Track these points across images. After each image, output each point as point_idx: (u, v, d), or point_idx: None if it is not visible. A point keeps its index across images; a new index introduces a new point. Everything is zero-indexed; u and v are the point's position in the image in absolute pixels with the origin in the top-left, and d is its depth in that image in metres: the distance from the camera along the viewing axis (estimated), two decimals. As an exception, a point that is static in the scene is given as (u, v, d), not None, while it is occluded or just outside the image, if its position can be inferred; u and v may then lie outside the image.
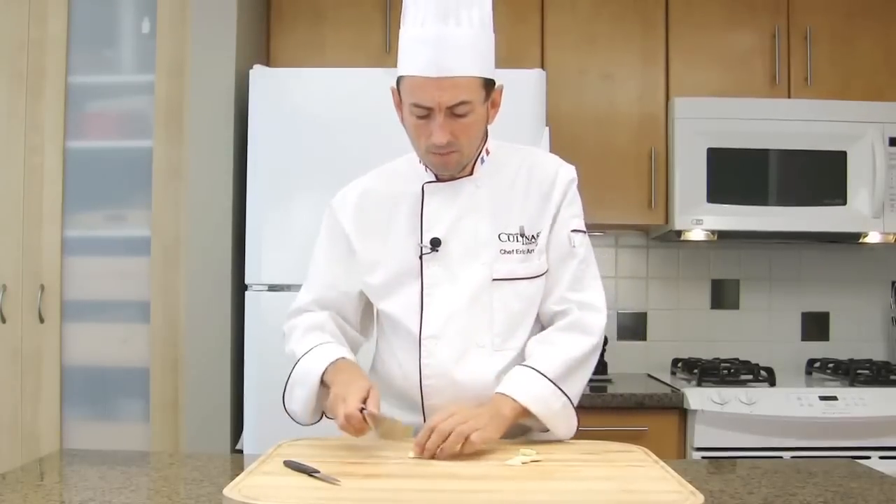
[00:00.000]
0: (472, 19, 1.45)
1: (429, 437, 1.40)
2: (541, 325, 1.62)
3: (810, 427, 2.57)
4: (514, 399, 1.48)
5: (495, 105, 1.55)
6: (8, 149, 2.74)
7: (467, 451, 1.38)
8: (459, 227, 1.58)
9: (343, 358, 1.55)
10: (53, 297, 2.73)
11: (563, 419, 1.52)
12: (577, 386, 1.54)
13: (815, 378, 2.99)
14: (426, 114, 1.47)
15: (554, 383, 1.50)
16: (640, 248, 3.31)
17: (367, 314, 1.70)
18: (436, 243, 1.57)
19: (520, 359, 1.57)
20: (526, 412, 1.48)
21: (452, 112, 1.46)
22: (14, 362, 2.72)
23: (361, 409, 1.40)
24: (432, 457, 1.39)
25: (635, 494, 1.21)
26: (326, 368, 1.53)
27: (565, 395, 1.51)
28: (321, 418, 1.61)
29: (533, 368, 1.51)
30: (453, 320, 1.56)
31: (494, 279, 1.56)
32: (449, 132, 1.47)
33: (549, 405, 1.49)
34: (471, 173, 1.59)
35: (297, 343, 1.61)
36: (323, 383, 1.53)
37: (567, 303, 1.58)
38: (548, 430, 1.53)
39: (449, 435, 1.38)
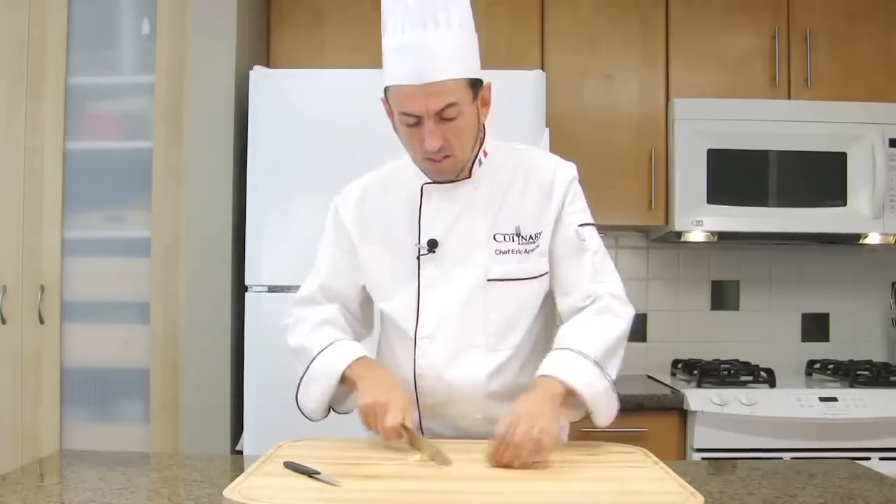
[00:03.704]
0: (450, 21, 1.44)
1: (502, 449, 1.36)
2: (544, 325, 1.62)
3: (810, 428, 2.57)
4: (559, 380, 1.43)
5: (486, 103, 1.54)
6: (8, 150, 2.74)
7: (540, 458, 1.35)
8: (456, 229, 1.58)
9: (366, 356, 1.56)
10: (53, 298, 2.73)
11: (605, 402, 1.48)
12: (616, 369, 1.52)
13: (815, 379, 2.99)
14: (416, 121, 1.47)
15: (598, 364, 1.47)
16: (640, 250, 3.31)
17: (368, 306, 1.71)
18: (433, 244, 1.57)
19: (514, 358, 1.57)
20: (570, 395, 1.44)
21: (441, 116, 1.45)
22: (14, 363, 2.72)
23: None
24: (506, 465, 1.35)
25: (635, 495, 1.21)
26: (350, 366, 1.53)
27: (607, 377, 1.48)
28: (328, 414, 1.61)
29: (574, 350, 1.48)
30: (448, 321, 1.56)
31: (489, 279, 1.56)
32: (440, 137, 1.47)
33: (594, 387, 1.46)
34: (469, 175, 1.59)
35: (307, 337, 1.61)
36: (343, 381, 1.54)
37: (594, 294, 1.56)
38: (581, 419, 1.51)
39: (522, 446, 1.34)
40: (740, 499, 1.32)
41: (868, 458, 2.51)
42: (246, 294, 2.54)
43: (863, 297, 3.30)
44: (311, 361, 1.58)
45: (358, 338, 1.67)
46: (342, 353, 1.56)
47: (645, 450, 1.48)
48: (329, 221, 1.69)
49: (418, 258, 1.58)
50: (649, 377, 3.11)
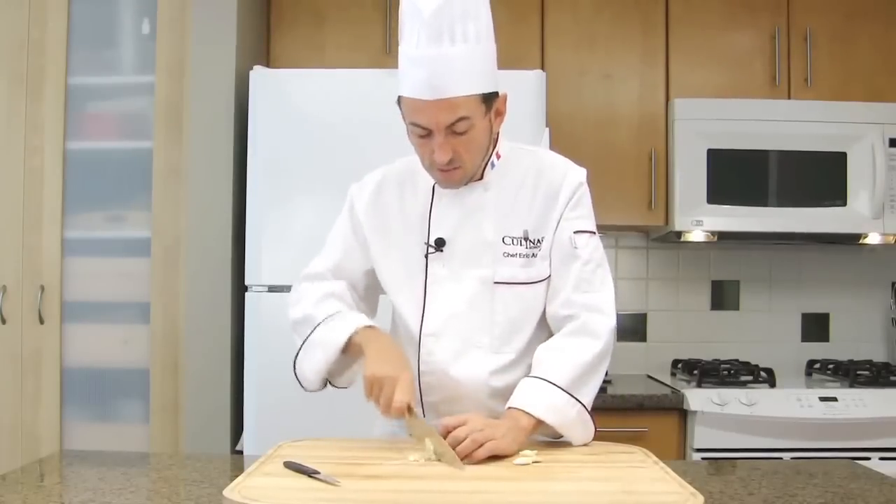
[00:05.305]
0: (467, 35, 1.42)
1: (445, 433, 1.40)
2: (548, 329, 1.61)
3: (810, 428, 2.57)
4: (528, 413, 1.46)
5: (500, 114, 1.54)
6: (8, 150, 2.74)
7: (478, 458, 1.37)
8: (465, 229, 1.58)
9: (374, 325, 1.55)
10: (53, 298, 2.73)
11: (579, 426, 1.50)
12: (591, 391, 1.53)
13: (815, 379, 2.99)
14: (426, 133, 1.47)
15: (567, 392, 1.48)
16: (640, 249, 3.31)
17: (373, 292, 1.71)
18: (440, 243, 1.58)
19: (518, 361, 1.57)
20: (541, 423, 1.47)
21: (452, 130, 1.45)
22: (14, 363, 2.72)
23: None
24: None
25: (635, 495, 1.21)
26: (357, 331, 1.51)
27: (579, 402, 1.50)
28: (325, 386, 1.60)
29: (544, 379, 1.49)
30: (453, 320, 1.57)
31: (496, 282, 1.57)
32: (450, 150, 1.47)
33: (564, 414, 1.48)
34: (480, 177, 1.59)
35: (314, 307, 1.59)
36: (347, 350, 1.52)
37: (573, 306, 1.56)
38: (562, 437, 1.52)
39: (463, 440, 1.37)
40: (740, 499, 1.32)
41: (868, 458, 2.51)
42: (246, 294, 2.54)
43: (863, 297, 3.30)
44: (315, 328, 1.56)
45: None
46: (349, 319, 1.54)
47: (645, 450, 1.48)
48: (345, 207, 1.69)
49: (426, 256, 1.59)
50: (649, 377, 3.11)
